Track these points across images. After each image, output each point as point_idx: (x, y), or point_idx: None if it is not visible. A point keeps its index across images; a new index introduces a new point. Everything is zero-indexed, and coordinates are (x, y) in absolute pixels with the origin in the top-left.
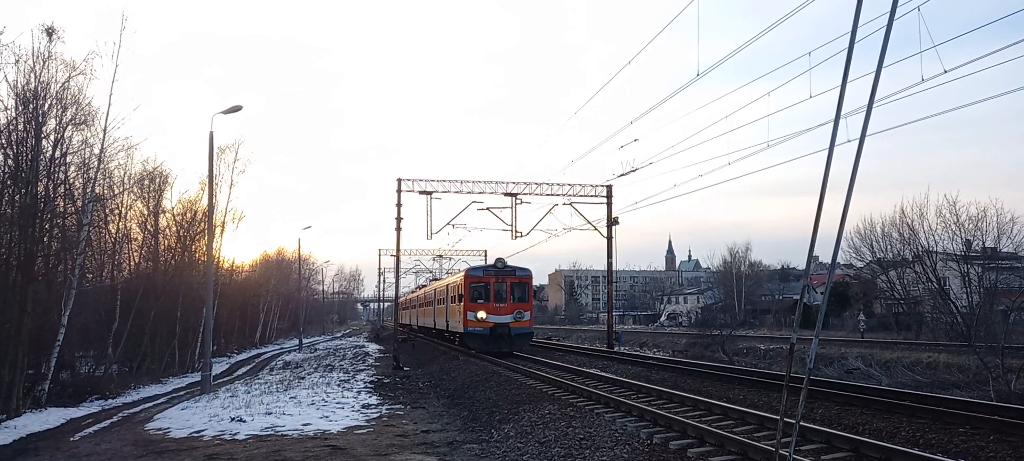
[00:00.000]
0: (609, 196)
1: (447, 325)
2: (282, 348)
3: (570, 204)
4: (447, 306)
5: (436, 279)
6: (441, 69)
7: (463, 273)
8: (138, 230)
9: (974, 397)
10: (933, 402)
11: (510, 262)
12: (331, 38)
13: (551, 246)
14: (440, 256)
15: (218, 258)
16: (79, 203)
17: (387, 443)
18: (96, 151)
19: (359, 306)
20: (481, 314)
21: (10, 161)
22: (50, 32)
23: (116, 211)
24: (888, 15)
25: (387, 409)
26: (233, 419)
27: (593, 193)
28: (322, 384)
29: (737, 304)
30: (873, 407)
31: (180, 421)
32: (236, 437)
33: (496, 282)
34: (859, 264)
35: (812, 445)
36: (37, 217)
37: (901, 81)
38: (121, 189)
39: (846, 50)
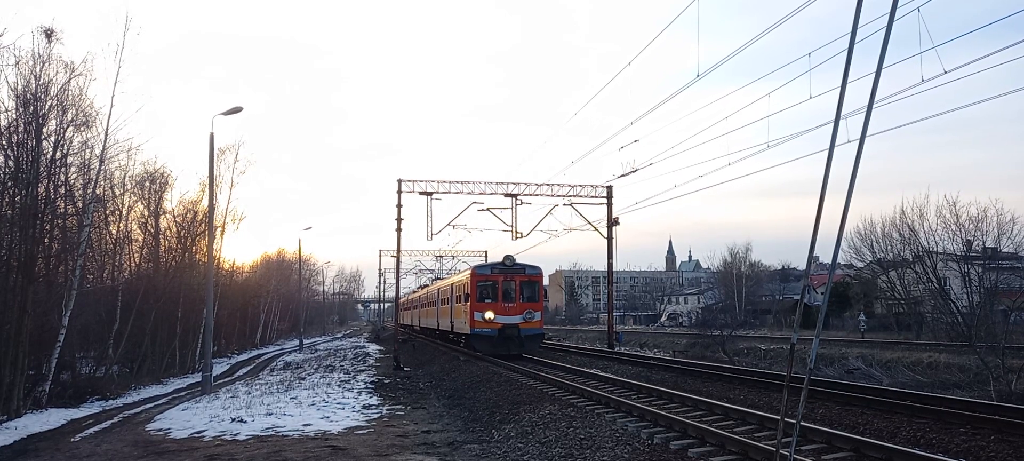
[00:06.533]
0: (609, 197)
1: (452, 326)
2: (283, 349)
3: (570, 205)
4: (452, 306)
5: (438, 279)
6: (442, 69)
7: (470, 271)
8: (139, 231)
9: (975, 397)
10: (934, 402)
11: None
12: (331, 38)
13: (551, 247)
14: (440, 257)
15: (218, 259)
16: (80, 204)
17: (388, 443)
18: (97, 152)
19: (360, 307)
20: (489, 315)
21: (10, 162)
22: (49, 34)
23: (117, 212)
24: (888, 16)
25: (388, 409)
26: (234, 420)
27: (593, 194)
28: (323, 385)
29: (737, 304)
30: (874, 407)
31: (181, 422)
32: (237, 438)
33: (504, 281)
34: (859, 264)
35: (813, 445)
36: (38, 218)
37: (901, 82)
38: (122, 190)
39: (846, 51)
